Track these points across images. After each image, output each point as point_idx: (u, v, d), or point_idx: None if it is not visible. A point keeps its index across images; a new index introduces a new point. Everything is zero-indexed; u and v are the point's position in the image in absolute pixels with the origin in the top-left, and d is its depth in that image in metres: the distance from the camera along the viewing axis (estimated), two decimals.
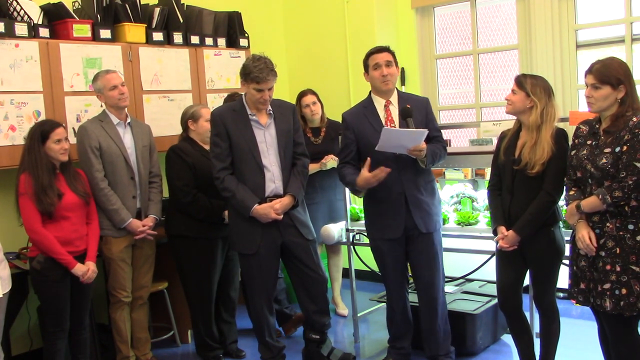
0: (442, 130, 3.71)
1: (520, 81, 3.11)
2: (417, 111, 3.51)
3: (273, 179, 3.58)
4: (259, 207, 3.50)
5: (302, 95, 4.63)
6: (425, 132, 3.33)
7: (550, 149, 3.01)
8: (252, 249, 3.57)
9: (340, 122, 4.70)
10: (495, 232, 3.24)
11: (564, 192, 3.00)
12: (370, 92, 3.65)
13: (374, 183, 3.40)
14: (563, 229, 3.33)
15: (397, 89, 3.63)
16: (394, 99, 3.58)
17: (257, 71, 3.44)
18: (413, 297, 3.82)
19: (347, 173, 3.57)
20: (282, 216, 3.54)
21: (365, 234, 4.22)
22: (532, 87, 3.07)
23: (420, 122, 3.49)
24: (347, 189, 4.25)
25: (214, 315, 4.13)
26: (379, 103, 3.58)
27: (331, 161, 4.49)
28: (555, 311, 3.23)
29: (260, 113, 3.60)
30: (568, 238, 3.18)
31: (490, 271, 3.55)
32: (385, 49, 3.58)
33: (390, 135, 3.38)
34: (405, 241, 3.58)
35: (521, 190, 3.12)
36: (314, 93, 4.64)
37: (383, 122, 3.54)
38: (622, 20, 4.64)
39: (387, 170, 3.36)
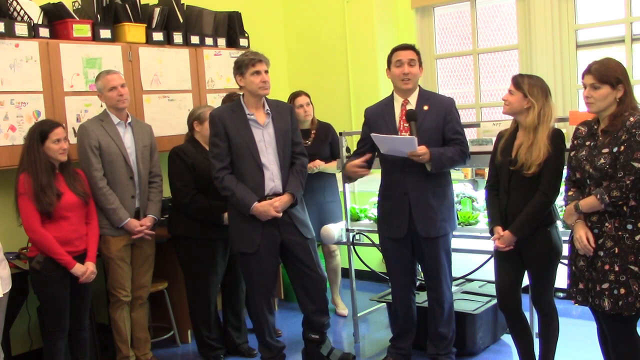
0: None
1: (518, 81, 3.10)
2: (434, 112, 3.48)
3: (272, 178, 3.59)
4: (259, 204, 3.51)
5: (296, 95, 4.62)
6: (414, 139, 3.30)
7: (546, 150, 3.01)
8: (252, 247, 3.57)
9: (330, 124, 4.75)
10: (492, 232, 3.24)
11: (563, 193, 3.00)
12: (393, 89, 3.64)
13: (354, 174, 3.55)
14: (562, 229, 3.33)
15: (420, 87, 3.60)
16: (413, 98, 3.55)
17: (251, 55, 3.56)
18: (419, 298, 3.83)
19: (352, 157, 3.70)
20: (281, 214, 3.55)
21: (366, 234, 4.24)
22: (530, 88, 3.06)
23: (436, 125, 3.46)
24: (345, 191, 4.26)
25: (223, 318, 4.19)
26: (397, 101, 3.58)
27: (319, 167, 4.51)
28: (554, 311, 3.23)
29: (258, 112, 3.61)
30: (565, 238, 3.18)
31: (490, 271, 3.54)
32: (411, 47, 3.54)
33: (382, 140, 3.42)
34: (412, 243, 3.58)
35: (517, 191, 3.12)
36: (307, 94, 4.64)
37: (397, 121, 3.53)
38: (622, 20, 4.64)
39: (365, 172, 3.54)
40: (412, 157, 3.34)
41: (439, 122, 3.48)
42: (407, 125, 3.48)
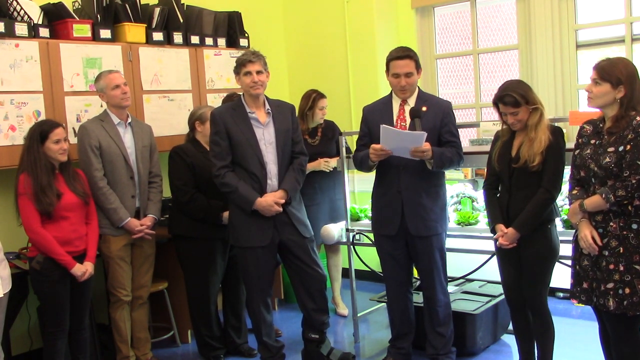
0: None
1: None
2: (432, 114, 3.49)
3: (270, 177, 3.60)
4: (262, 199, 3.53)
5: (321, 96, 4.61)
6: (424, 134, 3.30)
7: (547, 138, 3.03)
8: (265, 241, 3.57)
9: (334, 122, 4.76)
10: (493, 231, 3.24)
11: (567, 192, 3.00)
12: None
13: (380, 154, 3.42)
14: (563, 229, 3.32)
15: (419, 88, 3.61)
16: (412, 99, 3.56)
17: (244, 55, 3.60)
18: (417, 298, 3.83)
19: (359, 152, 3.64)
20: (281, 208, 3.56)
21: (366, 234, 4.24)
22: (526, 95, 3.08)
23: (433, 126, 3.47)
24: (345, 190, 4.26)
25: (224, 318, 4.20)
26: (396, 101, 3.60)
27: (331, 163, 4.50)
28: (547, 312, 3.21)
29: (259, 111, 3.63)
30: (563, 238, 3.19)
31: (490, 271, 3.55)
32: (408, 56, 3.48)
33: (389, 133, 3.39)
34: (406, 242, 3.58)
35: (519, 189, 3.13)
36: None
37: (395, 120, 3.55)
38: (622, 20, 4.64)
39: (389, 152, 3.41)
40: (416, 153, 3.35)
41: (436, 123, 3.50)
42: (405, 124, 3.50)
